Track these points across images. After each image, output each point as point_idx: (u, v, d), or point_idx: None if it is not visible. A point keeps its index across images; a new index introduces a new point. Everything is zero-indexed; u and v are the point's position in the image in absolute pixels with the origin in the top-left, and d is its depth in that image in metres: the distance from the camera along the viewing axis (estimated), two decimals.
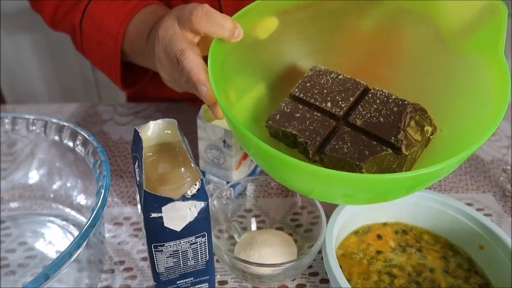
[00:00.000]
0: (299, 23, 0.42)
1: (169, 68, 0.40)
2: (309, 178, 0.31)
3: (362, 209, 0.43)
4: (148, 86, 0.72)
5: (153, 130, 0.34)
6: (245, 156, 0.48)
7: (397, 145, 0.34)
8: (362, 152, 0.34)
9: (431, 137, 0.36)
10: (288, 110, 0.38)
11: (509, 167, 0.56)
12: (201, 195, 0.31)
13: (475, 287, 0.39)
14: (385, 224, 0.45)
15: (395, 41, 0.42)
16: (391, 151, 0.34)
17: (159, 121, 0.35)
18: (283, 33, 0.41)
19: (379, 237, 0.43)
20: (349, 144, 0.35)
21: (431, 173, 0.29)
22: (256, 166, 0.52)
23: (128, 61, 0.55)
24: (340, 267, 0.36)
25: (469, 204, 0.51)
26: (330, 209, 0.41)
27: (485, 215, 0.50)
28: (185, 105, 0.68)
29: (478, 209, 0.51)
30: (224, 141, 0.44)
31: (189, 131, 0.62)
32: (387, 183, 0.29)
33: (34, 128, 0.45)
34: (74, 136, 0.43)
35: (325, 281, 0.42)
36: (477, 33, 0.36)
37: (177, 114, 0.67)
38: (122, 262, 0.44)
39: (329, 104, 0.38)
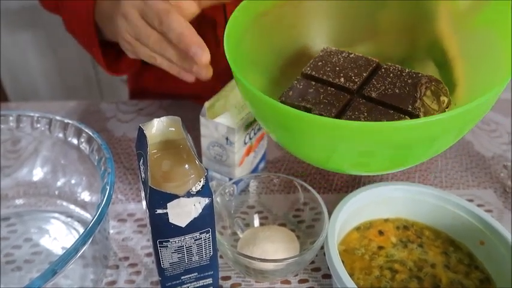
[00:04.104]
0: (313, 8, 0.43)
1: (137, 26, 0.39)
2: (330, 134, 0.30)
3: (363, 205, 0.44)
4: (151, 82, 0.72)
5: (157, 127, 0.35)
6: (248, 153, 0.48)
7: (415, 113, 0.34)
8: (380, 120, 0.34)
9: (446, 109, 0.36)
10: (301, 87, 0.38)
11: (509, 163, 0.57)
12: (205, 191, 0.31)
13: (476, 282, 0.40)
14: (386, 220, 0.45)
15: (407, 25, 0.43)
16: (409, 118, 0.34)
17: (163, 118, 0.35)
18: (296, 18, 0.42)
19: (380, 233, 0.44)
20: (365, 114, 0.35)
21: (457, 116, 0.29)
22: (259, 163, 0.53)
23: (108, 41, 0.55)
24: (342, 262, 0.36)
25: (470, 200, 0.52)
26: (331, 205, 0.42)
27: (486, 211, 0.50)
28: (188, 103, 0.69)
29: (478, 205, 0.51)
30: (227, 139, 0.45)
31: (192, 128, 0.62)
32: (412, 130, 0.29)
33: (39, 125, 0.45)
34: (78, 133, 0.44)
35: (328, 276, 0.43)
36: (485, 8, 0.37)
37: (180, 112, 0.67)
38: (126, 258, 0.44)
39: (342, 80, 0.38)
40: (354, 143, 0.31)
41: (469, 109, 0.28)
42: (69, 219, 0.48)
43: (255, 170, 0.52)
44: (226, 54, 0.35)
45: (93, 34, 0.52)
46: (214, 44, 0.61)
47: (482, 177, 0.56)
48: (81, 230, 0.46)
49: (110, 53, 0.56)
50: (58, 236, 0.46)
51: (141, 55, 0.42)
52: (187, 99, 0.70)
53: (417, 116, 0.34)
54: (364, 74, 0.38)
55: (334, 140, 0.31)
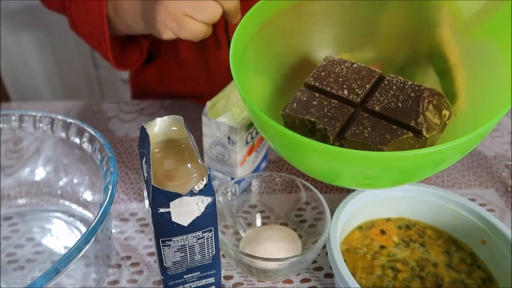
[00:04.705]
0: (314, 15, 0.43)
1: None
2: (337, 162, 0.31)
3: (366, 205, 0.44)
4: (153, 82, 0.72)
5: (159, 127, 0.35)
6: (249, 152, 0.48)
7: (417, 128, 0.34)
8: (383, 136, 0.34)
9: (447, 121, 0.37)
10: (305, 99, 0.39)
11: (511, 163, 0.57)
12: (208, 190, 0.31)
13: (478, 282, 0.40)
14: (388, 220, 0.45)
15: (409, 31, 0.43)
16: (412, 134, 0.34)
17: (166, 118, 0.35)
18: (297, 26, 0.42)
19: (382, 232, 0.44)
20: (369, 129, 0.35)
21: (461, 145, 0.29)
22: (261, 162, 0.53)
23: (115, 36, 0.55)
24: (345, 261, 0.36)
25: (472, 200, 0.52)
26: (334, 204, 0.42)
27: (488, 210, 0.50)
28: (189, 103, 0.69)
29: (480, 205, 0.51)
30: (229, 138, 0.45)
31: (193, 128, 0.62)
32: (416, 159, 0.29)
33: (41, 125, 0.45)
34: (80, 133, 0.44)
35: (330, 275, 0.43)
36: (488, 20, 0.37)
37: (182, 112, 0.67)
38: (128, 257, 0.44)
39: (346, 92, 0.38)
40: (357, 169, 0.31)
41: (473, 137, 0.29)
42: (71, 219, 0.48)
43: (256, 170, 0.52)
44: (232, 68, 0.36)
45: (106, 29, 0.52)
46: (215, 45, 0.61)
47: (484, 176, 0.56)
48: (83, 229, 0.46)
49: (115, 48, 0.56)
50: (60, 235, 0.46)
51: (186, 31, 0.44)
52: (188, 99, 0.70)
53: (420, 131, 0.34)
54: (368, 86, 0.38)
55: (337, 166, 0.32)
